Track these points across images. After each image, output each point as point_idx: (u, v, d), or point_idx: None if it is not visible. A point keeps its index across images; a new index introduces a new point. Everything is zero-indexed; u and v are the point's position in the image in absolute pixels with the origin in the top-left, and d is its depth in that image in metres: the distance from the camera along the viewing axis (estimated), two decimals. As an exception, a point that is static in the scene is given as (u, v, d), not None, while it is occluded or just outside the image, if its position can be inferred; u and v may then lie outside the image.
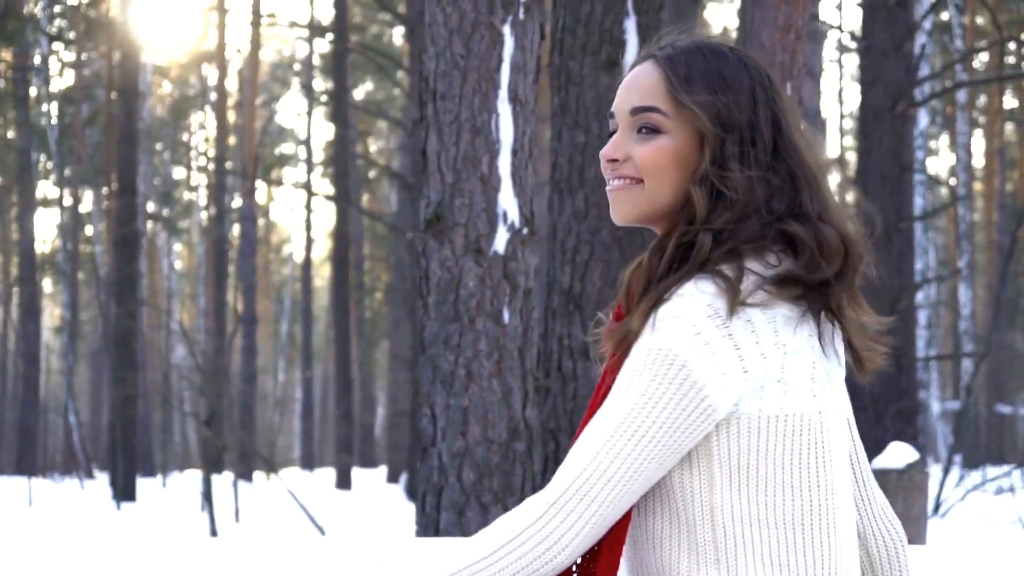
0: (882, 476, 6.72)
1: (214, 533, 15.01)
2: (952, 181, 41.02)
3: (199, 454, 17.85)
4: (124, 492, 21.65)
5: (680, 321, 2.22)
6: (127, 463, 21.83)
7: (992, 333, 19.34)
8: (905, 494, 6.70)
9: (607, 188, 2.42)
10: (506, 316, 7.00)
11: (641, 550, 2.36)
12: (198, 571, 10.43)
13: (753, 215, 2.31)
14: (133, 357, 23.12)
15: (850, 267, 2.36)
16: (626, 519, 2.31)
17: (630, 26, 9.33)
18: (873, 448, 19.23)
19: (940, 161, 44.71)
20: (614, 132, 2.43)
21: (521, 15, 7.16)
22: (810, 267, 2.31)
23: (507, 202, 7.07)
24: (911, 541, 6.74)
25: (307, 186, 36.15)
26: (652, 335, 2.24)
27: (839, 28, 26.81)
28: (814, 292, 2.31)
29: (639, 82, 2.39)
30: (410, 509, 19.93)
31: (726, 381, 2.22)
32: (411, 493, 21.32)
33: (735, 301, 2.22)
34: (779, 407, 2.26)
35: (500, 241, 7.04)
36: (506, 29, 7.11)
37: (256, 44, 35.54)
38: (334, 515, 17.61)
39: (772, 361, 2.25)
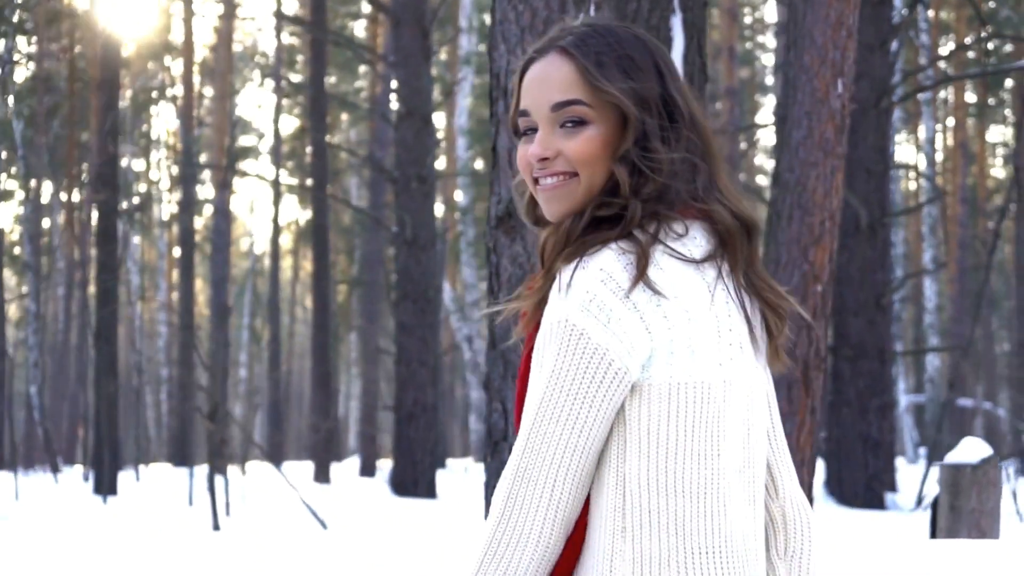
0: (956, 471, 6.78)
1: (216, 527, 14.99)
2: (913, 176, 41.30)
3: (206, 448, 17.75)
4: (107, 486, 21.52)
5: (575, 290, 2.25)
6: (112, 457, 21.72)
7: (974, 326, 19.48)
8: (979, 489, 6.75)
9: (538, 188, 2.41)
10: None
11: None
12: (217, 565, 10.37)
13: (673, 189, 2.35)
14: (115, 352, 22.99)
15: (754, 245, 2.43)
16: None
17: (676, 23, 9.33)
18: (858, 443, 19.42)
19: (902, 157, 44.95)
20: (528, 130, 2.43)
21: (592, 12, 7.19)
22: (728, 245, 2.38)
23: (579, 197, 7.10)
24: (986, 536, 6.81)
25: (276, 179, 36.01)
26: (553, 305, 2.28)
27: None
28: (725, 264, 2.38)
29: (552, 76, 2.39)
30: (396, 503, 19.95)
31: (630, 342, 2.25)
32: (396, 486, 21.31)
33: (640, 266, 2.26)
34: (688, 374, 2.29)
35: (572, 235, 7.06)
36: (578, 26, 7.13)
37: (228, 37, 35.37)
38: (321, 509, 17.56)
39: (677, 325, 2.28)
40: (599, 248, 2.28)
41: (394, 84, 22.28)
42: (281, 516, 17.68)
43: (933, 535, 7.05)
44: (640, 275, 2.26)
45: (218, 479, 18.63)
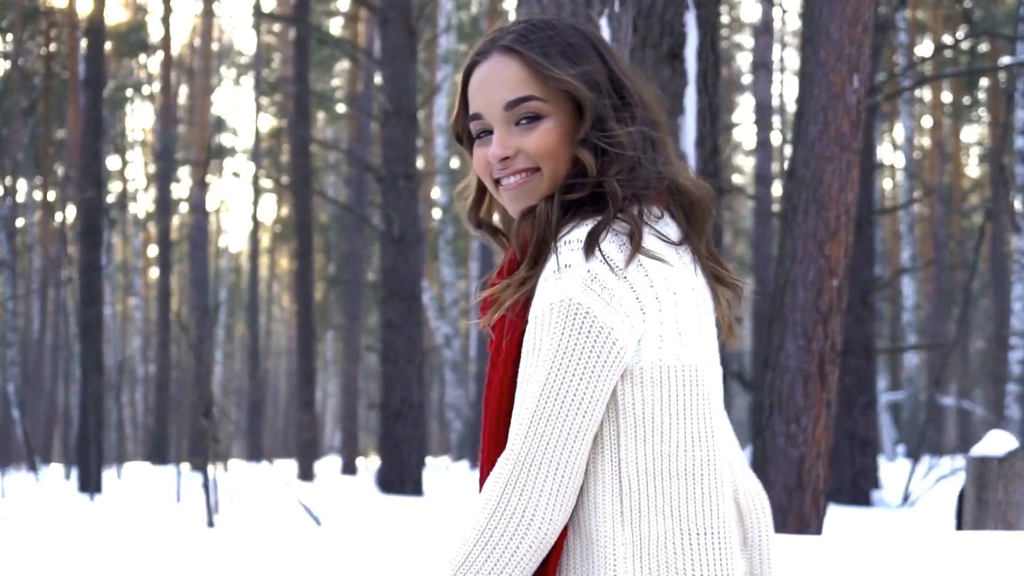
0: (982, 464, 6.81)
1: (211, 524, 14.96)
2: (888, 174, 41.48)
3: (186, 446, 17.75)
4: (93, 484, 21.46)
5: (574, 269, 2.25)
6: (97, 456, 21.66)
7: (961, 324, 19.57)
8: (1006, 481, 6.78)
9: (501, 188, 2.42)
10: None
11: None
12: (220, 561, 10.35)
13: (639, 166, 2.37)
14: (100, 350, 22.89)
15: (712, 219, 2.46)
16: None
17: (690, 19, 9.36)
18: (844, 439, 19.48)
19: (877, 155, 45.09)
20: (482, 133, 2.44)
21: (616, 7, 7.19)
22: (694, 220, 2.40)
23: (604, 192, 7.10)
24: (1013, 528, 6.84)
25: (255, 176, 35.93)
26: (550, 287, 2.26)
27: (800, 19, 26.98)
28: (697, 244, 2.40)
29: (501, 76, 2.40)
30: (384, 500, 19.94)
31: (630, 322, 2.26)
32: (382, 484, 21.29)
33: (634, 247, 2.27)
34: (676, 357, 2.30)
35: (600, 231, 7.06)
36: (603, 21, 7.14)
37: (209, 34, 35.30)
38: (310, 507, 17.52)
39: (666, 308, 2.30)
40: (598, 225, 2.28)
41: (379, 81, 22.19)
42: (272, 513, 17.65)
43: (959, 527, 7.09)
44: (634, 255, 2.27)
45: (217, 476, 18.58)
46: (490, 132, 2.42)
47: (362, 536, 12.62)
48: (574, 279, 2.24)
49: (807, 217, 8.46)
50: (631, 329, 2.25)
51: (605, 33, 7.12)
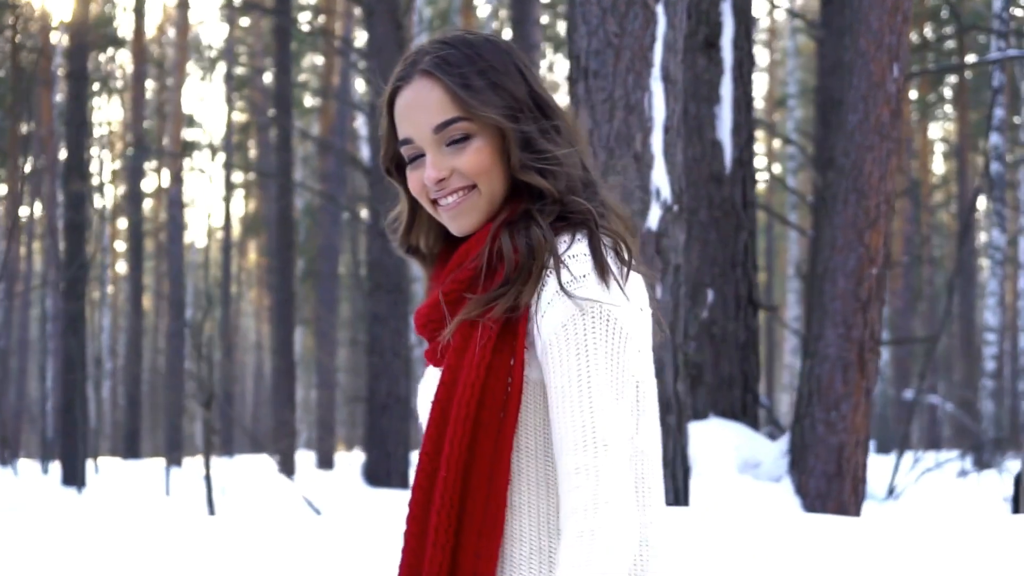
0: (1039, 448, 6.87)
1: (212, 512, 14.94)
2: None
3: (202, 438, 17.66)
4: (78, 478, 21.38)
5: (591, 279, 2.25)
6: (83, 449, 21.58)
7: (945, 319, 19.68)
8: (1062, 465, 6.85)
9: (440, 208, 2.41)
10: (659, 292, 7.06)
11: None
12: (231, 550, 10.33)
13: (584, 184, 2.39)
14: (84, 344, 22.80)
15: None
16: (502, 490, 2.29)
17: (726, 8, 9.42)
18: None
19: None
20: (414, 158, 2.43)
21: (670, -8, 7.21)
22: (631, 237, 2.40)
23: (660, 179, 7.14)
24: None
25: (228, 165, 35.77)
26: (576, 293, 2.24)
27: (793, 14, 27.06)
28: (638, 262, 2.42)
29: (426, 101, 2.39)
30: (373, 493, 19.92)
31: (636, 331, 2.29)
32: (369, 477, 21.26)
33: (622, 260, 2.30)
34: (643, 374, 2.33)
35: (653, 218, 7.11)
36: (659, 8, 7.16)
37: (184, 28, 35.15)
38: (300, 500, 17.49)
39: (640, 322, 2.32)
40: (592, 241, 2.29)
41: (362, 76, 22.16)
42: (268, 504, 17.62)
43: (1015, 511, 7.16)
44: (629, 267, 2.30)
45: (195, 470, 18.56)
46: (422, 155, 2.42)
47: (362, 527, 12.60)
48: (595, 287, 2.25)
49: (847, 206, 8.51)
50: (636, 337, 2.28)
51: (661, 21, 7.15)
